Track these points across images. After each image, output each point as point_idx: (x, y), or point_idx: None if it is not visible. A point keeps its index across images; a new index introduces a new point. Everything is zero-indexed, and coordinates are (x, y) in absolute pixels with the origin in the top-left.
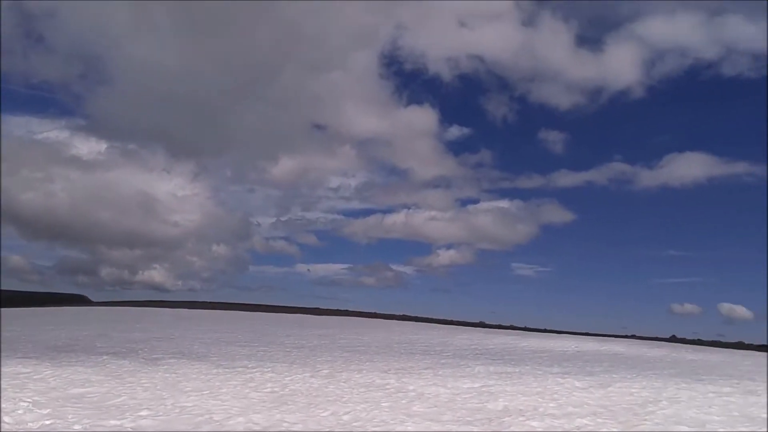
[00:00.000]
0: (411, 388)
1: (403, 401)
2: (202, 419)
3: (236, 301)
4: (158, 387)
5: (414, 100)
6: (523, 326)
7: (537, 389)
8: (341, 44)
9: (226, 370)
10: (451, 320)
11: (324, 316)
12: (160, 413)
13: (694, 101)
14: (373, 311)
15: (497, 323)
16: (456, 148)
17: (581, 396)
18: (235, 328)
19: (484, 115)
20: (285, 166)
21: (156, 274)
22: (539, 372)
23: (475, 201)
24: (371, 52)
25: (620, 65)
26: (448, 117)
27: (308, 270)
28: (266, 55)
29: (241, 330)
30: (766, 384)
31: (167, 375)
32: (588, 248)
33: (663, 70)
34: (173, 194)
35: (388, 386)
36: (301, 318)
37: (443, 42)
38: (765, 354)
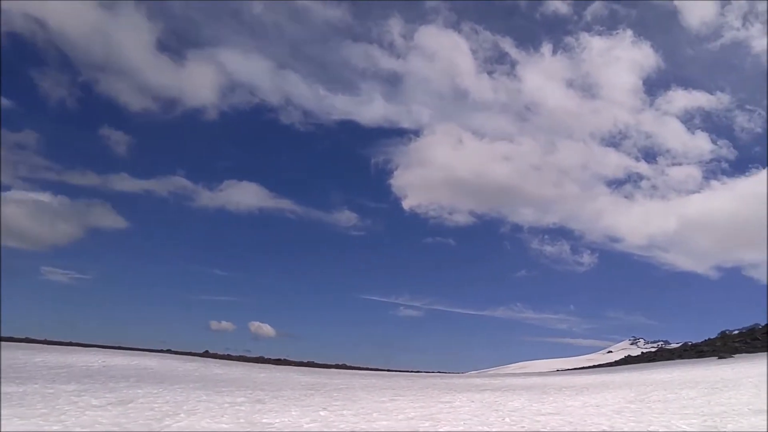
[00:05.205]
0: None
1: None
2: None
3: None
4: None
5: None
6: (42, 339)
7: (41, 411)
8: None
9: None
10: None
11: None
12: None
13: (256, 137)
14: None
15: (8, 336)
16: None
17: (95, 414)
18: None
19: (35, 91)
20: None
21: None
22: (50, 391)
23: (6, 188)
24: None
25: (198, 83)
26: None
27: None
28: None
29: None
30: (273, 393)
31: None
32: (137, 258)
33: (234, 100)
34: None
35: None
36: None
37: None
38: (279, 366)
